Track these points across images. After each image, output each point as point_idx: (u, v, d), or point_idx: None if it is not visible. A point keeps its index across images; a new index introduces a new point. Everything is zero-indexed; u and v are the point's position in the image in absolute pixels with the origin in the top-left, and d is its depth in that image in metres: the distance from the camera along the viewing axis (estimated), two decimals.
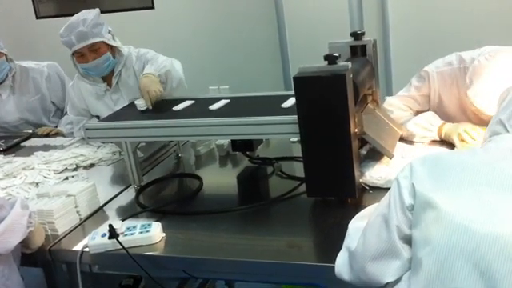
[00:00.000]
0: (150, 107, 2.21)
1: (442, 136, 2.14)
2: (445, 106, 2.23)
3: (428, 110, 2.26)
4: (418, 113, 2.26)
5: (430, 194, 1.13)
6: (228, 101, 2.16)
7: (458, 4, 3.51)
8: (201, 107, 2.14)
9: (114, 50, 2.70)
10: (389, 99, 2.34)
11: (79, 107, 2.89)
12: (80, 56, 2.63)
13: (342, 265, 1.34)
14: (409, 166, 1.22)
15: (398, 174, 1.25)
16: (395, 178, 1.24)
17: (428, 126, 2.17)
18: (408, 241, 1.19)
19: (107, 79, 2.77)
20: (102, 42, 2.61)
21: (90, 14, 2.60)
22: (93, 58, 2.62)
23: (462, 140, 2.05)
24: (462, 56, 2.15)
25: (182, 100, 2.26)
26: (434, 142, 2.17)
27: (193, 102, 2.23)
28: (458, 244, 1.04)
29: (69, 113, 3.01)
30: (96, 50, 2.62)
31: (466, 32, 3.39)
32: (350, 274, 1.31)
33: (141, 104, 2.23)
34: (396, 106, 2.28)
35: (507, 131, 1.25)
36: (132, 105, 2.32)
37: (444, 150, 2.08)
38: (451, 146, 2.09)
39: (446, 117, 2.21)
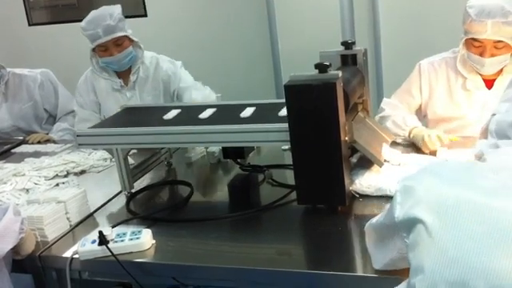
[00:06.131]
0: None
1: (410, 137, 2.28)
2: (434, 100, 2.41)
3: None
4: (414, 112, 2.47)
5: (426, 218, 1.07)
6: (215, 109, 2.16)
7: (448, 14, 3.55)
8: (191, 114, 2.14)
9: (134, 45, 2.74)
10: (385, 99, 2.52)
11: (92, 101, 2.87)
12: (104, 50, 2.67)
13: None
14: (410, 188, 1.14)
15: (396, 194, 1.17)
16: (394, 199, 1.17)
17: (402, 125, 2.33)
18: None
19: (123, 76, 2.78)
20: (126, 36, 2.66)
21: (115, 9, 2.65)
22: (117, 51, 2.66)
23: (429, 141, 2.16)
24: (455, 49, 2.36)
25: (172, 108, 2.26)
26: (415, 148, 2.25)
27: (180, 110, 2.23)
28: (449, 276, 1.00)
29: (78, 112, 2.97)
30: (120, 44, 2.67)
31: (456, 42, 3.42)
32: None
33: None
34: (391, 104, 2.47)
35: None
36: (123, 111, 2.32)
37: (435, 160, 2.03)
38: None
39: (435, 113, 2.41)
